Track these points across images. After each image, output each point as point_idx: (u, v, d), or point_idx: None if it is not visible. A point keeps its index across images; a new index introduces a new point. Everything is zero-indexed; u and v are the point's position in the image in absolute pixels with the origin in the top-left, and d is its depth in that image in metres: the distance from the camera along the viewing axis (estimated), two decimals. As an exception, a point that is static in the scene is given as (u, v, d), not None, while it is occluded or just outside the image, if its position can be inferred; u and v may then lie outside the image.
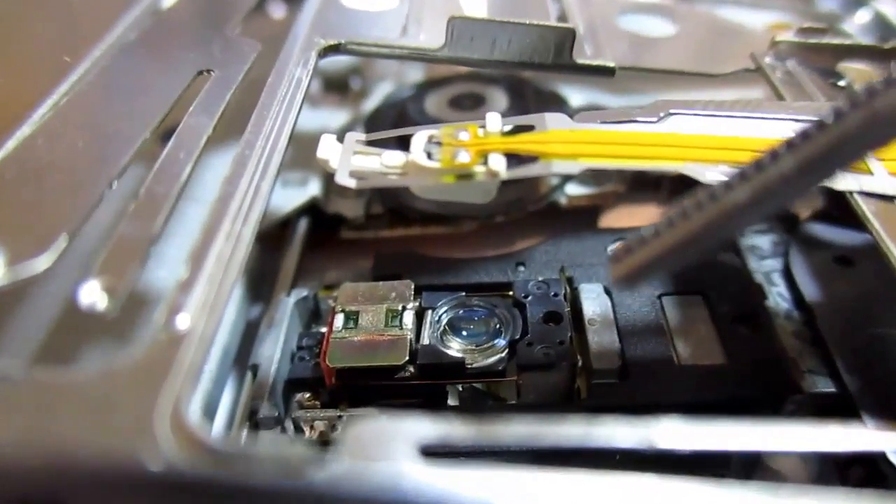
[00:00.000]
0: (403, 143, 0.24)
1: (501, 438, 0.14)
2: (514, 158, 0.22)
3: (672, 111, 0.24)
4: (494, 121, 0.22)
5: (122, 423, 0.14)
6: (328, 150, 0.22)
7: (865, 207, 0.21)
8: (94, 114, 0.23)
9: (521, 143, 0.22)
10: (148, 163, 0.20)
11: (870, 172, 0.22)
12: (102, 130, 0.21)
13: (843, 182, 0.21)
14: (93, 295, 0.16)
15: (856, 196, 0.21)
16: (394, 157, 0.22)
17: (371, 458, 0.14)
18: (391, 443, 0.14)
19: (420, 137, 0.22)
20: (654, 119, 0.23)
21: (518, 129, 0.23)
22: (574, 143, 0.21)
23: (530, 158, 0.22)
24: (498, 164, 0.21)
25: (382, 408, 0.25)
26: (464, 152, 0.21)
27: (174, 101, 0.23)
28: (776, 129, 0.23)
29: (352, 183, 0.21)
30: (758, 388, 0.24)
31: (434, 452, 0.14)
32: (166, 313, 0.16)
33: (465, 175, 0.21)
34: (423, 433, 0.14)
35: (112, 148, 0.20)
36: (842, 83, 0.28)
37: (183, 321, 0.16)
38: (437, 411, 0.15)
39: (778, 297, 0.27)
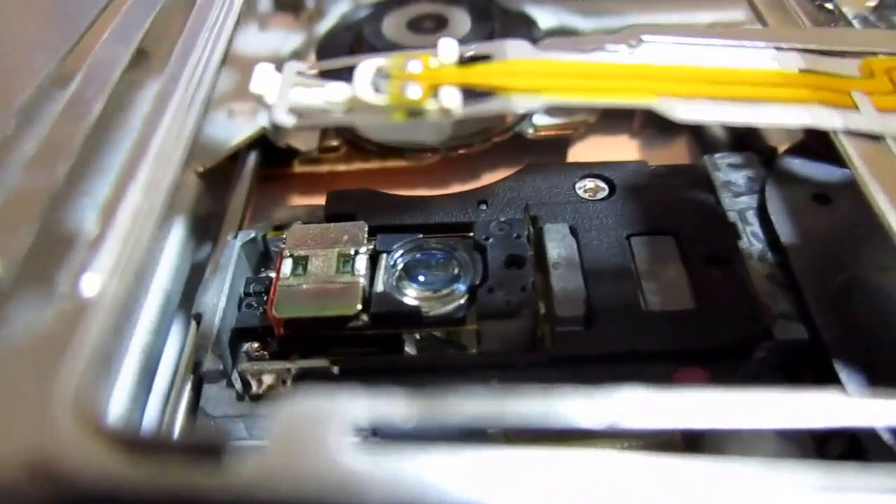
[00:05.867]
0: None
1: (451, 419, 0.13)
2: (471, 92, 0.20)
3: (645, 37, 0.21)
4: (449, 49, 0.20)
5: (12, 412, 0.12)
6: (264, 83, 0.20)
7: (850, 148, 0.19)
8: (-9, 41, 0.20)
9: (478, 75, 0.19)
10: (52, 100, 0.18)
11: (855, 107, 0.20)
12: (1, 60, 0.19)
13: (828, 120, 0.20)
14: (-20, 258, 0.14)
15: (840, 136, 0.19)
16: (337, 91, 0.20)
17: (301, 445, 0.12)
18: (324, 427, 0.12)
19: (365, 69, 0.19)
20: (626, 47, 0.21)
21: (475, 59, 0.21)
22: (536, 76, 0.19)
23: (488, 92, 0.19)
24: (451, 99, 0.19)
25: (336, 359, 0.24)
26: (414, 86, 0.19)
27: (85, 27, 0.20)
28: (757, 58, 0.21)
29: (290, 121, 0.19)
30: (727, 335, 0.23)
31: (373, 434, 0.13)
32: (71, 277, 0.14)
33: (415, 112, 0.19)
34: (360, 414, 0.13)
35: (9, 82, 0.18)
36: (829, 5, 0.26)
37: (90, 286, 0.14)
38: (378, 385, 0.13)
39: (752, 236, 0.26)
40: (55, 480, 0.12)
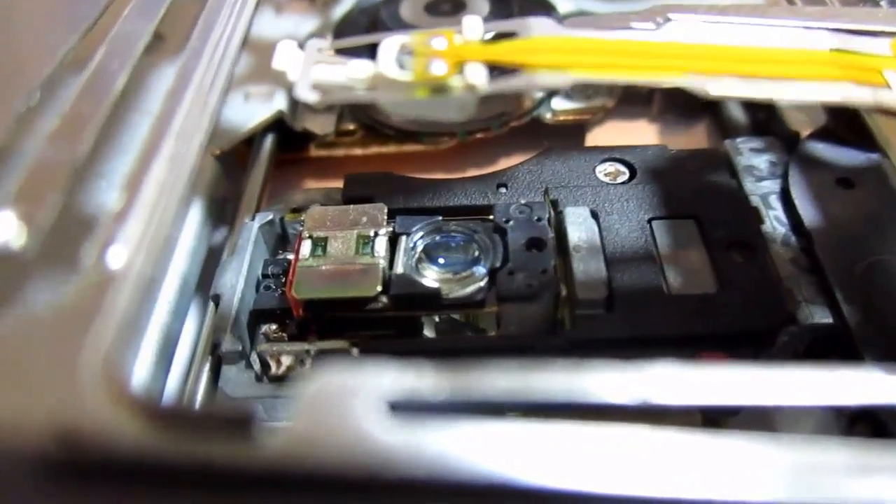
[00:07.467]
0: (376, 54, 0.21)
1: (478, 392, 0.13)
2: (495, 69, 0.19)
3: (671, 16, 0.21)
4: (473, 26, 0.20)
5: (40, 380, 0.12)
6: (286, 60, 0.19)
7: (882, 126, 0.19)
8: (12, 15, 0.20)
9: (503, 52, 0.19)
10: (76, 74, 0.17)
11: (886, 85, 0.20)
12: (22, 35, 0.19)
13: (859, 97, 0.19)
14: (7, 228, 0.14)
15: (871, 114, 0.19)
16: (360, 68, 0.19)
17: (332, 417, 0.12)
18: (353, 400, 0.12)
19: (389, 45, 0.19)
20: (652, 25, 0.21)
21: (500, 37, 0.20)
22: (562, 53, 0.19)
23: (513, 70, 0.19)
24: (476, 75, 0.18)
25: (354, 341, 0.24)
26: (439, 62, 0.19)
27: (105, 4, 0.20)
28: (786, 37, 0.21)
29: (313, 97, 0.19)
30: (751, 320, 0.23)
31: (403, 406, 0.13)
32: (97, 249, 0.14)
33: (439, 88, 0.19)
34: (390, 387, 0.13)
35: (33, 56, 0.17)
36: (857, -15, 0.26)
37: (116, 258, 0.14)
38: (407, 359, 0.13)
39: (775, 221, 0.26)
40: (82, 447, 0.11)
